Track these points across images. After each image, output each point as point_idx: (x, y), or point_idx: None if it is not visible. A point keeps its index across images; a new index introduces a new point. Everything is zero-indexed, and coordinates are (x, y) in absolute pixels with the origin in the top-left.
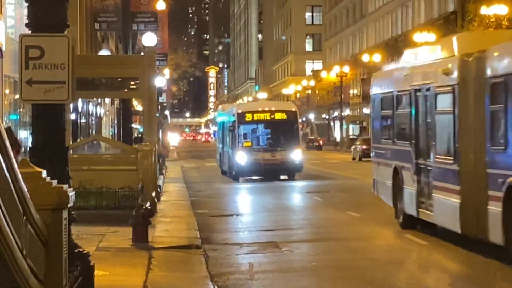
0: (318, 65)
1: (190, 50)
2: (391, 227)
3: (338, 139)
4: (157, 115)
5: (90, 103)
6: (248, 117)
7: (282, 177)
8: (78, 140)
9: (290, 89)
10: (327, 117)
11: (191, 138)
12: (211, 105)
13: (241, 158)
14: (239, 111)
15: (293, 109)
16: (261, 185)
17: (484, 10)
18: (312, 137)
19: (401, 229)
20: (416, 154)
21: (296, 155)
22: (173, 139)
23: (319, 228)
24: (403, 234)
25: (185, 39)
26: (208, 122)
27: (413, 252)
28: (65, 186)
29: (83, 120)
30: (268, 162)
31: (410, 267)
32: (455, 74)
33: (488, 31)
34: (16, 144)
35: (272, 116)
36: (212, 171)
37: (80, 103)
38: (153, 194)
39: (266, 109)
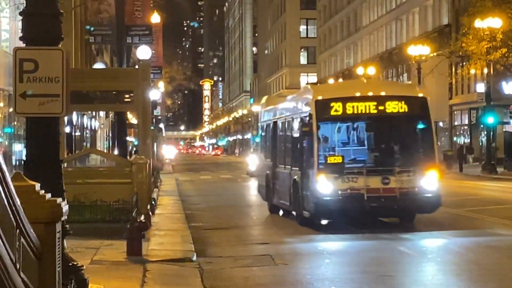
0: (312, 78)
1: (185, 63)
2: None
3: None
4: (152, 128)
5: (85, 116)
6: (337, 109)
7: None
8: (72, 153)
9: None
10: None
11: (185, 151)
12: (206, 118)
13: (323, 186)
14: (319, 98)
15: (420, 95)
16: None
17: (478, 23)
18: None
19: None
20: None
21: (429, 180)
22: (169, 152)
23: None
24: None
25: (180, 52)
26: (203, 135)
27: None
28: (59, 199)
29: (77, 133)
30: (376, 194)
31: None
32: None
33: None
34: None
35: (382, 108)
36: (207, 184)
37: (74, 116)
38: (148, 207)
39: (370, 94)
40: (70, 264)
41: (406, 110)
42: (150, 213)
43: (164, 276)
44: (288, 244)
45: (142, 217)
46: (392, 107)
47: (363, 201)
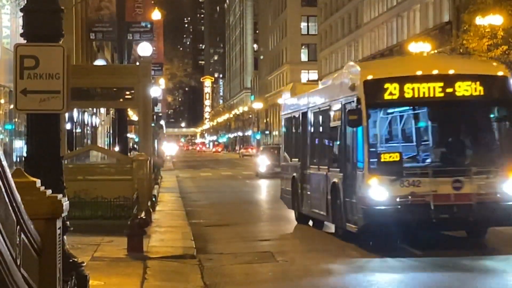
0: (313, 75)
1: (186, 60)
2: None
3: None
4: (153, 125)
5: (86, 113)
6: (392, 92)
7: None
8: (72, 150)
9: None
10: None
11: (185, 148)
12: (206, 115)
13: (375, 191)
14: (369, 78)
15: (500, 73)
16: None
17: (479, 21)
18: None
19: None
20: None
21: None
22: (171, 149)
23: None
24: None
25: (181, 49)
26: (204, 132)
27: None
28: (60, 195)
29: (78, 130)
30: (445, 202)
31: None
32: None
33: None
34: None
35: (451, 90)
36: (207, 181)
37: (75, 113)
38: (148, 204)
39: (436, 72)
40: (71, 260)
41: (483, 93)
42: (151, 209)
43: (164, 272)
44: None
45: (143, 214)
46: (464, 89)
47: (429, 211)
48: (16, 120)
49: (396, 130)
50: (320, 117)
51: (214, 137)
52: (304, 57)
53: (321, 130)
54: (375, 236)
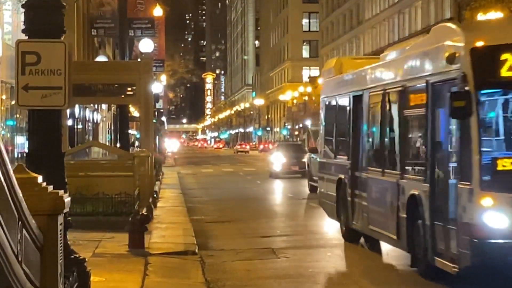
0: (315, 71)
1: (187, 57)
2: None
3: None
4: (154, 121)
5: (87, 109)
6: None
7: None
8: (74, 146)
9: (287, 96)
10: None
11: (186, 144)
12: (208, 111)
13: (493, 216)
14: (479, 45)
15: None
16: None
17: (480, 17)
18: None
19: None
20: None
21: None
22: (173, 145)
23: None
24: None
25: (182, 45)
26: (205, 129)
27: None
28: (61, 191)
29: (79, 126)
30: None
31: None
32: None
33: None
34: None
35: None
36: (208, 178)
37: (77, 109)
38: (150, 200)
39: None
40: (72, 256)
41: None
42: (152, 206)
43: (165, 268)
44: None
45: (144, 210)
46: None
47: None
48: (18, 116)
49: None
50: (387, 102)
51: (216, 134)
52: (305, 53)
53: (387, 119)
54: (486, 282)
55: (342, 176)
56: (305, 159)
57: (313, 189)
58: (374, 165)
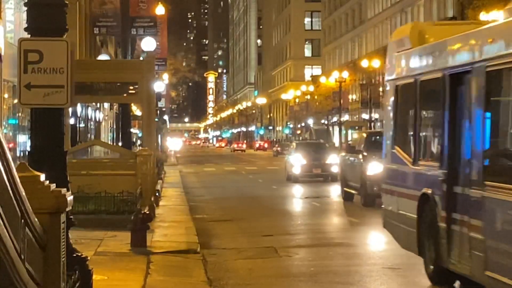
0: (317, 70)
1: (189, 55)
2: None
3: (337, 144)
4: (156, 120)
5: (89, 108)
6: None
7: None
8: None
9: (289, 95)
10: (326, 122)
11: (188, 143)
12: (210, 110)
13: None
14: None
15: None
16: None
17: (483, 16)
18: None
19: None
20: None
21: None
22: (175, 144)
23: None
24: None
25: (184, 44)
26: (207, 127)
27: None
28: (64, 190)
29: (82, 125)
30: None
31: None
32: None
33: None
34: None
35: None
36: (210, 176)
37: (79, 107)
38: (152, 199)
39: None
40: (74, 255)
41: None
42: (154, 204)
43: (168, 267)
44: None
45: (146, 209)
46: None
47: None
48: (20, 114)
49: None
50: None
51: (218, 132)
52: (307, 52)
53: None
54: None
55: (429, 191)
56: (329, 161)
57: (347, 196)
58: (495, 177)
